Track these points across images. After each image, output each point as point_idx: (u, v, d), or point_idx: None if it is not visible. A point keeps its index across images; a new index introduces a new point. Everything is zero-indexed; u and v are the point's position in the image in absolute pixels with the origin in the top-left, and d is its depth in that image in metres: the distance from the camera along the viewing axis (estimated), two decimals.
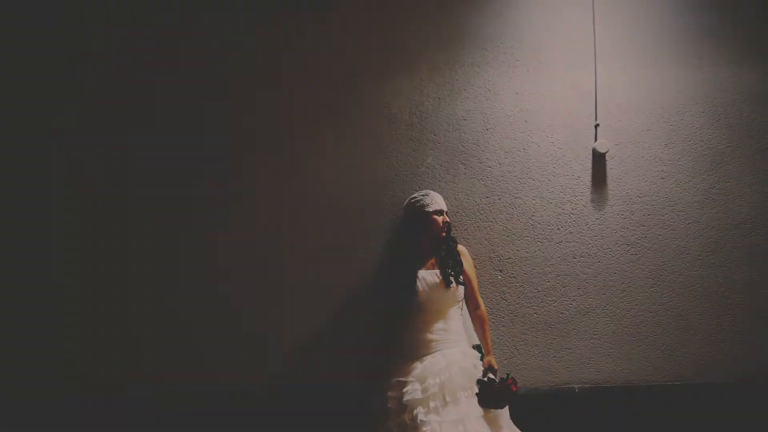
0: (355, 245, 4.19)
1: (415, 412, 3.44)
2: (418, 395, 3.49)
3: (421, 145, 4.31)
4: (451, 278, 3.79)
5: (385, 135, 4.30)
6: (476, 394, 3.56)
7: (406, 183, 4.26)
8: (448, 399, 3.48)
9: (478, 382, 3.59)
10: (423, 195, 3.90)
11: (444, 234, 3.90)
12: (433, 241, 3.88)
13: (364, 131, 4.29)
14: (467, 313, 3.94)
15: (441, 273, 3.80)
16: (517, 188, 4.30)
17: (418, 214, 3.85)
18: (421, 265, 3.83)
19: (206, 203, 4.22)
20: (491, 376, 3.64)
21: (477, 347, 3.84)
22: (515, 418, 3.68)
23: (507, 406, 3.63)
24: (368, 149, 4.28)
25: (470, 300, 3.95)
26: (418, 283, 3.75)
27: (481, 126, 4.33)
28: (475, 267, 4.17)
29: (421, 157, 4.30)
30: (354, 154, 4.27)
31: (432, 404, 3.47)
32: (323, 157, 4.25)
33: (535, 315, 4.23)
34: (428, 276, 3.78)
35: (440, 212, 3.86)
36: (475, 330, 3.93)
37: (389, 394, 3.58)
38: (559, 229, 4.28)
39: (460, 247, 3.98)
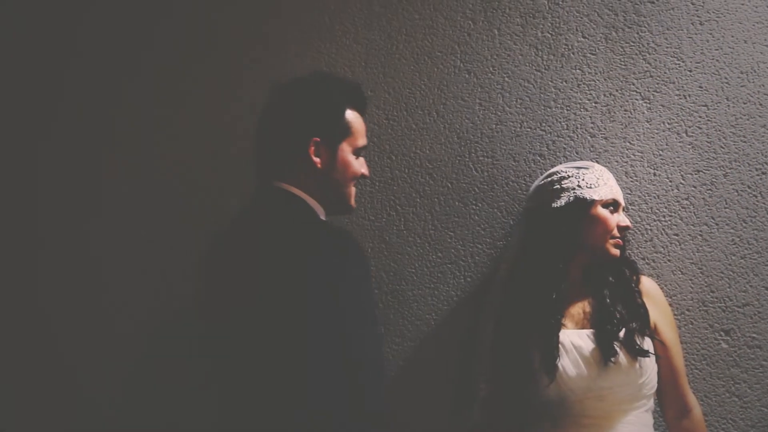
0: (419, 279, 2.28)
1: None
2: None
3: None
4: (621, 345, 1.88)
5: None
6: None
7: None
8: None
9: None
10: (577, 168, 2.03)
11: (618, 252, 1.98)
12: (593, 266, 2.00)
13: None
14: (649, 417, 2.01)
15: (599, 334, 1.92)
16: None
17: (570, 206, 1.95)
18: (564, 317, 1.96)
19: None
20: None
21: None
22: None
23: None
24: None
25: (669, 392, 1.98)
26: (560, 358, 1.89)
27: None
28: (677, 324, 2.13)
29: None
30: None
31: None
32: None
33: None
34: (577, 339, 1.93)
35: (614, 204, 1.99)
36: None
37: None
38: None
39: (646, 281, 2.05)
